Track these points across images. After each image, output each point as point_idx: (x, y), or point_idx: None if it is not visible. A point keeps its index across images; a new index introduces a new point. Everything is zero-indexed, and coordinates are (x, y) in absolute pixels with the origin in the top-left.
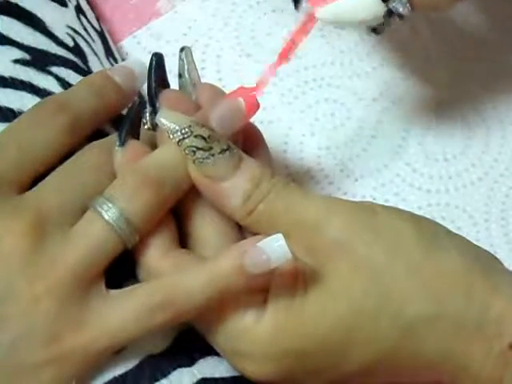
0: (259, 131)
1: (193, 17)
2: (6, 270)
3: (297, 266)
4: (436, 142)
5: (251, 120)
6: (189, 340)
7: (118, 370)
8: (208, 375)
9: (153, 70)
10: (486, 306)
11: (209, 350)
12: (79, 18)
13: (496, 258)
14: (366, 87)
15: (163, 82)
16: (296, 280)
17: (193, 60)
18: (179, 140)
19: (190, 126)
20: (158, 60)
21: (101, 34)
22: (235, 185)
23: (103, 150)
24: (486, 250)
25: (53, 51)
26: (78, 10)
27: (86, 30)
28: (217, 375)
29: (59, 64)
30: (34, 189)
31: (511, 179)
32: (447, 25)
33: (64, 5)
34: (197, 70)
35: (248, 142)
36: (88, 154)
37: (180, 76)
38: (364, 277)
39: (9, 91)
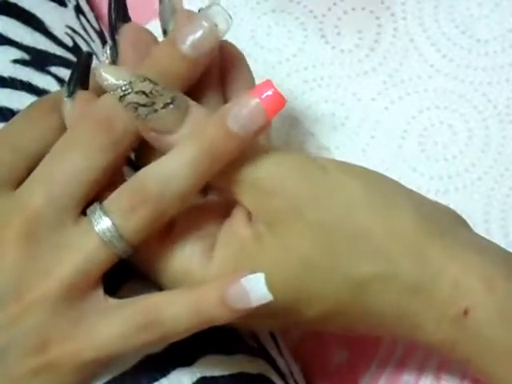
0: (238, 50)
1: None
2: None
3: (250, 220)
4: (436, 141)
5: None
6: (188, 339)
7: (117, 370)
8: (207, 374)
9: (113, 5)
10: (440, 270)
11: (208, 349)
12: (78, 18)
13: (458, 217)
14: (365, 87)
15: (124, 17)
16: (247, 229)
17: None
18: (120, 97)
19: (130, 83)
20: None
21: (100, 34)
22: (183, 136)
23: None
24: (447, 208)
25: (52, 51)
26: (78, 9)
27: (85, 29)
28: (216, 374)
29: (58, 64)
30: (23, 186)
31: (511, 179)
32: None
33: (63, 5)
34: None
35: (227, 62)
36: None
37: (160, 2)
38: (316, 237)
39: (8, 91)
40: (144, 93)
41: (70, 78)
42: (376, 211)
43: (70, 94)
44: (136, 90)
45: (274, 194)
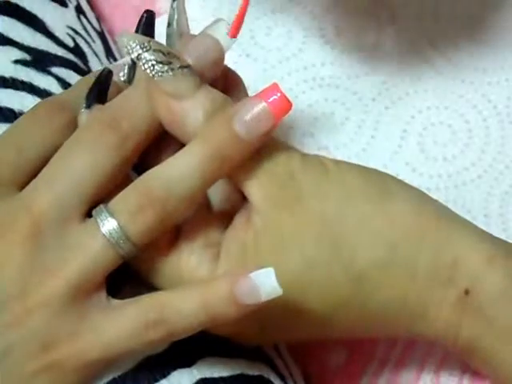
0: (239, 76)
1: (193, 17)
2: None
3: (250, 215)
4: (436, 141)
5: None
6: (188, 340)
7: (118, 371)
8: (207, 375)
9: (141, 26)
10: (438, 252)
11: (208, 350)
12: (79, 19)
13: (449, 208)
14: (365, 87)
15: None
16: (247, 231)
17: (184, 11)
18: (138, 55)
19: (149, 41)
20: (148, 17)
21: (101, 34)
22: (196, 104)
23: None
24: (437, 201)
25: (53, 52)
26: (78, 10)
27: (86, 30)
28: (216, 375)
29: (59, 64)
30: (29, 187)
31: (510, 177)
32: (443, 30)
33: (64, 5)
34: (187, 21)
35: (227, 87)
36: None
37: (168, 25)
38: (316, 228)
39: (9, 92)
40: (162, 52)
41: (89, 92)
42: (373, 199)
43: (88, 106)
44: (154, 48)
45: (284, 183)
